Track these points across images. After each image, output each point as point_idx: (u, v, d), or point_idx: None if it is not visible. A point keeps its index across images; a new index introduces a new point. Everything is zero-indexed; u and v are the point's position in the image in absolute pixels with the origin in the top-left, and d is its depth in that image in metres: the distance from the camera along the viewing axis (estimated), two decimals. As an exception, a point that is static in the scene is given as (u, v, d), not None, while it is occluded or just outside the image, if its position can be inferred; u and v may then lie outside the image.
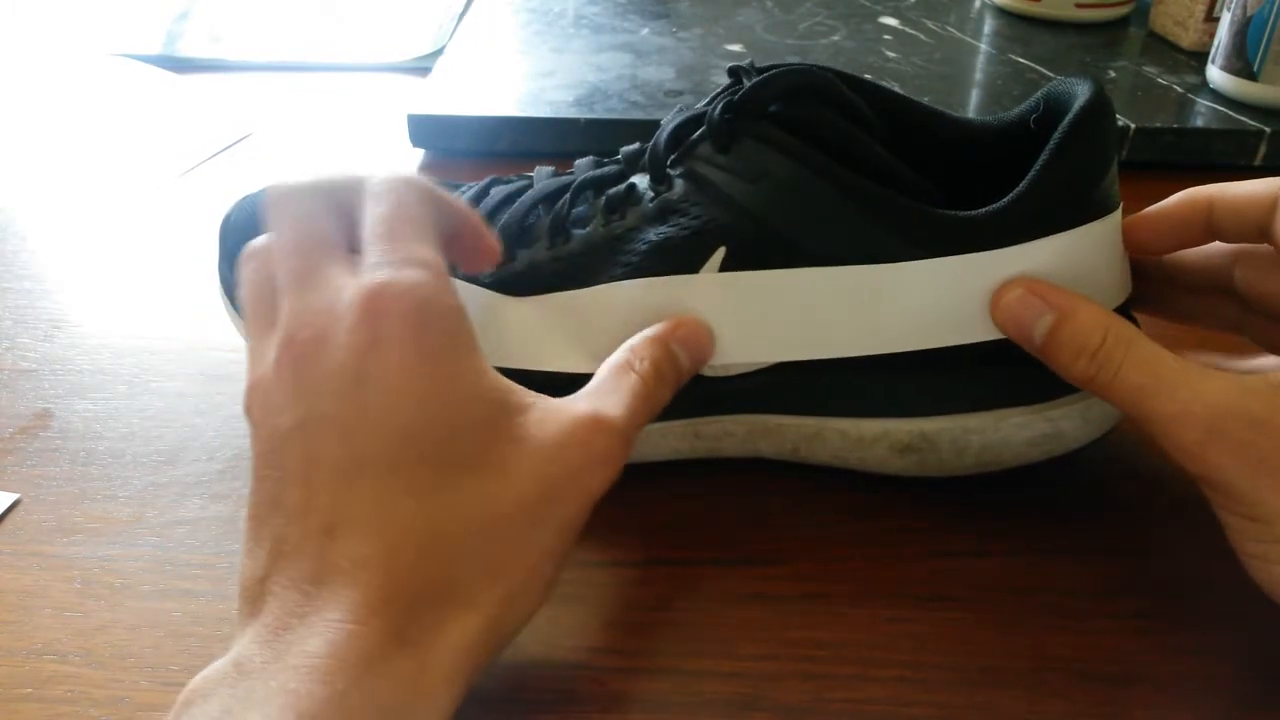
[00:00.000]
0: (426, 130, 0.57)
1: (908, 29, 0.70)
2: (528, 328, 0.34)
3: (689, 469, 0.36)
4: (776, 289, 0.32)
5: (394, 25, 0.73)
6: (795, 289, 0.32)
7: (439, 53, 0.67)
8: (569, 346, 0.33)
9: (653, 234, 0.33)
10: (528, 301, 0.34)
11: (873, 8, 0.74)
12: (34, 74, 0.68)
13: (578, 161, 0.37)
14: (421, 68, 0.67)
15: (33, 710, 0.28)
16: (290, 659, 0.22)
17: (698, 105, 0.35)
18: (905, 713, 0.28)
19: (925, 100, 0.36)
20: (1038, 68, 0.64)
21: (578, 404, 0.28)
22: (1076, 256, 0.31)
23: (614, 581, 0.32)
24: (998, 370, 0.32)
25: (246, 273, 0.28)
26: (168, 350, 0.42)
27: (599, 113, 0.57)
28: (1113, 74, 0.62)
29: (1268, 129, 0.55)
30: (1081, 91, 0.32)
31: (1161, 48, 0.66)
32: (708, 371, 0.33)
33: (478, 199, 0.37)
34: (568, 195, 0.35)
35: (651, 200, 0.33)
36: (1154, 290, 0.36)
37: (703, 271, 0.32)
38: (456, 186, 0.40)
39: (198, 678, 0.23)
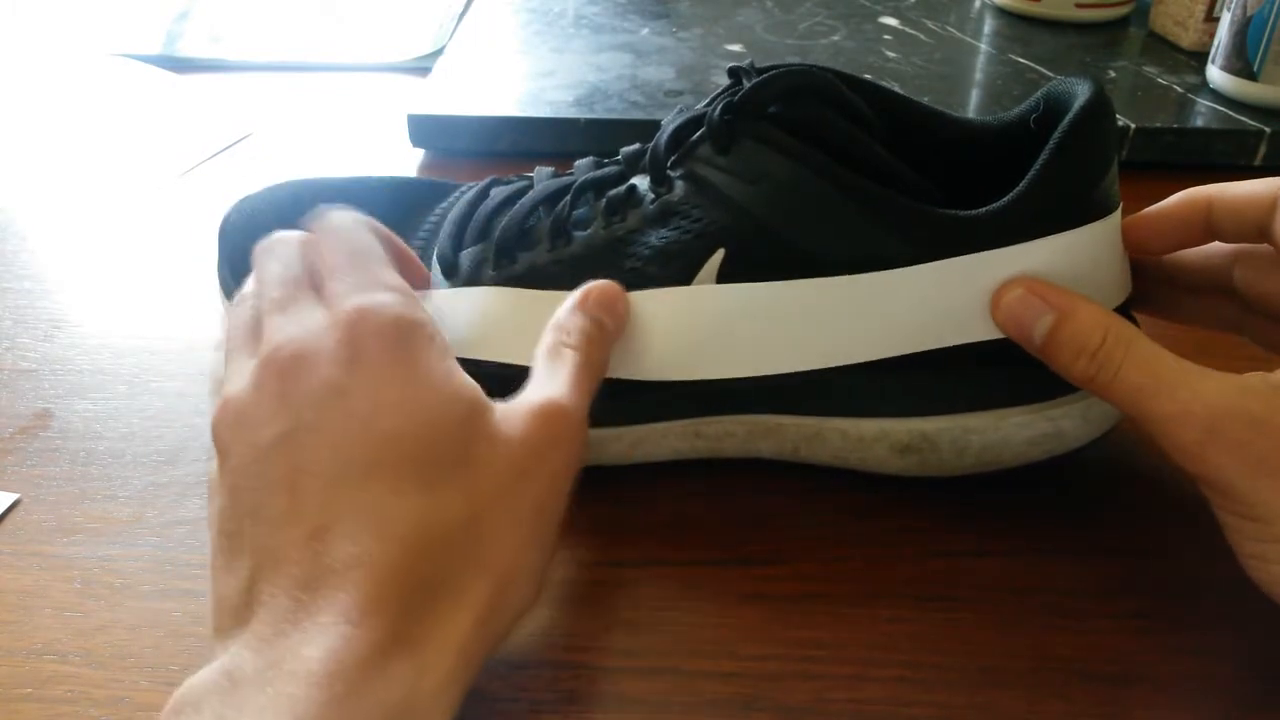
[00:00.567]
0: (426, 130, 0.57)
1: (908, 29, 0.70)
2: (522, 333, 0.34)
3: (689, 469, 0.36)
4: (776, 300, 0.32)
5: (394, 25, 0.73)
6: (794, 300, 0.32)
7: (439, 53, 0.67)
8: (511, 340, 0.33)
9: (654, 238, 0.33)
10: (524, 294, 0.34)
11: (873, 8, 0.74)
12: (34, 74, 0.68)
13: (578, 162, 0.37)
14: (421, 68, 0.67)
15: (33, 710, 0.28)
16: (286, 664, 0.22)
17: (698, 106, 0.35)
18: (905, 713, 0.28)
19: (925, 100, 0.36)
20: (1038, 68, 0.64)
21: (530, 396, 0.29)
22: (1076, 256, 0.31)
23: (614, 581, 0.32)
24: (998, 370, 0.32)
25: (233, 314, 0.30)
26: (168, 350, 0.42)
27: (599, 113, 0.57)
28: (1113, 74, 0.62)
29: (1268, 129, 0.55)
30: (1081, 91, 0.32)
31: (1161, 48, 0.66)
32: (711, 373, 0.33)
33: (478, 200, 0.37)
34: (568, 197, 0.35)
35: (652, 202, 0.33)
36: (1154, 290, 0.36)
37: (702, 272, 0.32)
38: (456, 187, 0.40)
39: (184, 687, 0.23)
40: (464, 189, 0.39)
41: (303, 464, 0.25)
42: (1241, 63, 0.57)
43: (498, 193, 0.37)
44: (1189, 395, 0.27)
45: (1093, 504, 0.35)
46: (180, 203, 0.53)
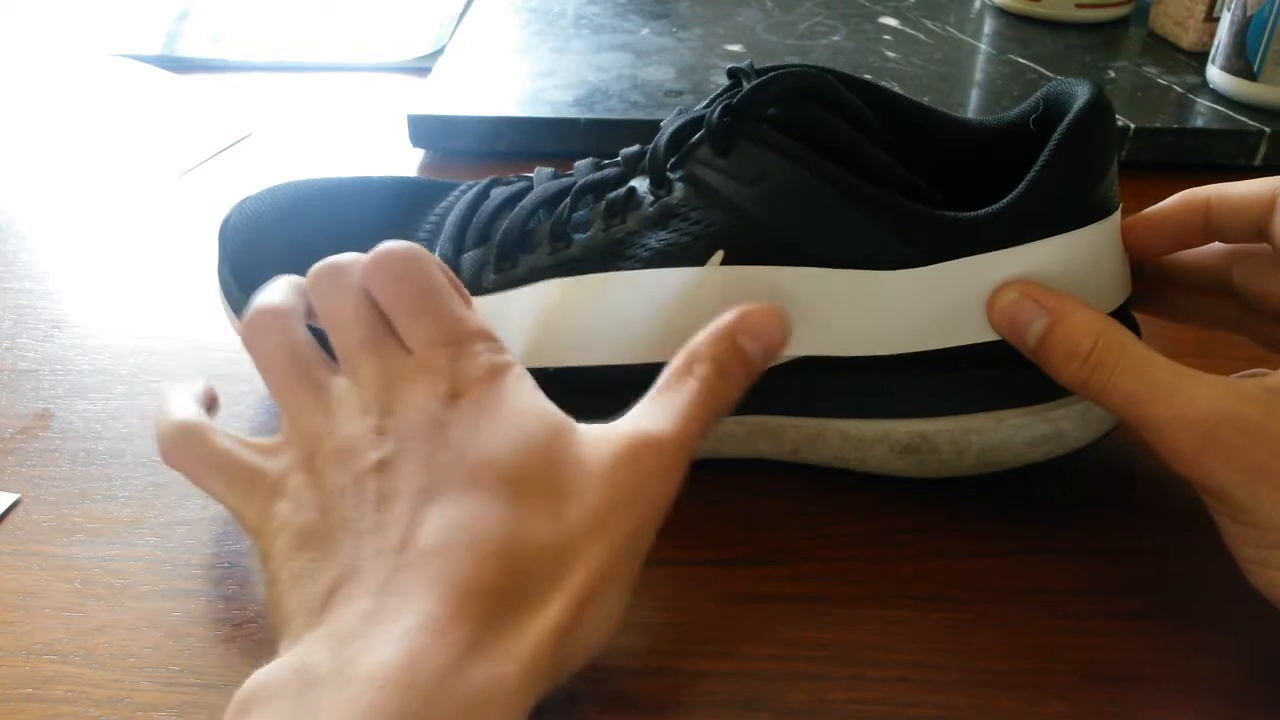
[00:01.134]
0: (426, 130, 0.57)
1: (908, 29, 0.70)
2: (526, 325, 0.34)
3: (689, 469, 0.35)
4: (779, 285, 0.32)
5: (394, 25, 0.73)
6: (797, 286, 0.32)
7: (439, 53, 0.67)
8: (568, 340, 0.33)
9: (654, 240, 0.33)
10: (526, 292, 0.34)
11: (873, 8, 0.74)
12: (34, 74, 0.68)
13: (577, 164, 0.37)
14: (421, 68, 0.67)
15: (33, 710, 0.28)
16: (361, 667, 0.22)
17: (697, 107, 0.35)
18: (905, 713, 0.28)
19: (925, 100, 0.36)
20: (1038, 68, 0.64)
21: (625, 425, 0.28)
22: (1076, 258, 0.31)
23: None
24: (997, 371, 0.32)
25: (274, 339, 0.29)
26: (168, 350, 0.42)
27: (599, 113, 0.57)
28: (1113, 74, 0.62)
29: (1268, 129, 0.55)
30: (1081, 92, 0.32)
31: (1161, 48, 0.66)
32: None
33: (477, 202, 0.37)
34: (568, 200, 0.35)
35: (651, 204, 0.33)
36: (1153, 290, 0.36)
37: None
38: (456, 186, 0.40)
39: (254, 682, 0.23)
40: (463, 189, 0.39)
41: (398, 484, 0.26)
42: (1241, 63, 0.57)
43: (498, 194, 0.37)
44: (1184, 401, 0.27)
45: (1092, 504, 0.35)
46: (180, 203, 0.53)
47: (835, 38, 0.68)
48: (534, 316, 0.34)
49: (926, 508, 0.35)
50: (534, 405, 0.28)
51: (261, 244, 0.38)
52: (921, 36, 0.69)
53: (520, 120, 0.56)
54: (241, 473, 0.28)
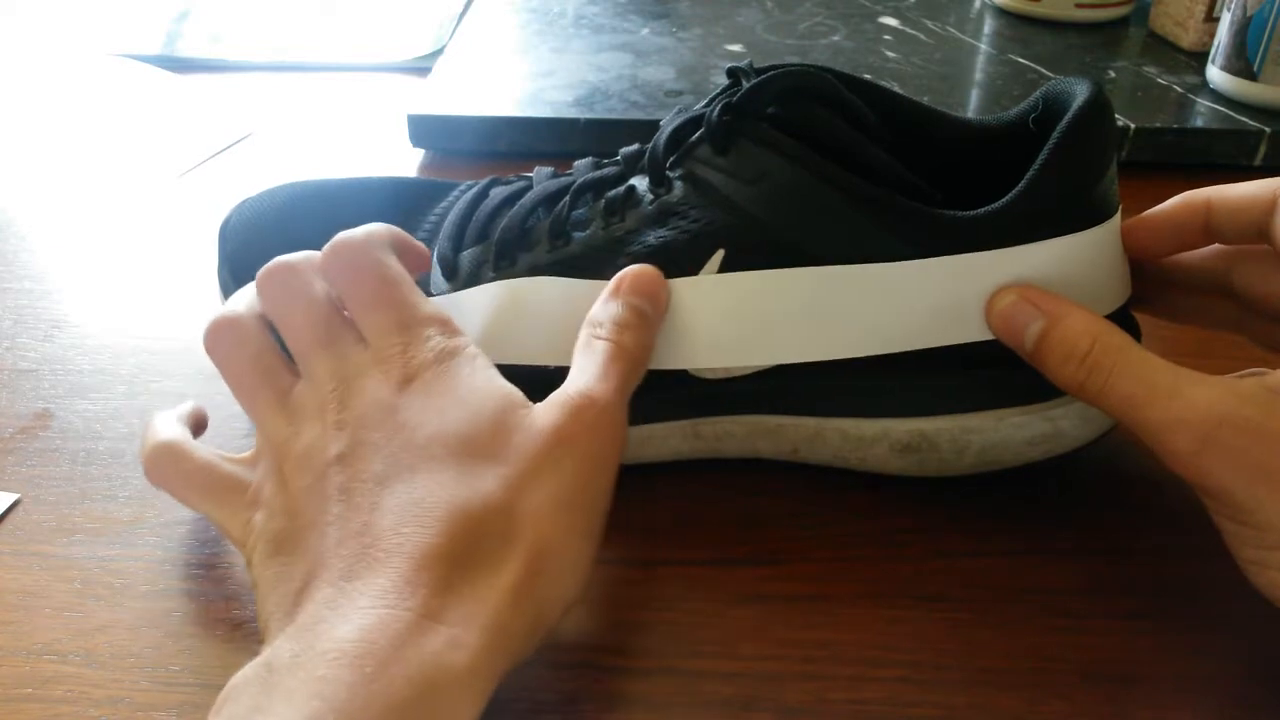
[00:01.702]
0: (426, 130, 0.57)
1: (908, 29, 0.70)
2: (518, 321, 0.34)
3: (689, 469, 0.36)
4: (775, 290, 0.32)
5: (394, 25, 0.73)
6: (794, 290, 0.32)
7: (439, 53, 0.67)
8: (565, 339, 0.33)
9: (652, 237, 0.33)
10: (517, 284, 0.34)
11: (873, 8, 0.74)
12: (34, 74, 0.68)
13: (577, 163, 0.37)
14: (421, 68, 0.67)
15: (33, 710, 0.28)
16: (319, 646, 0.23)
17: (697, 107, 0.35)
18: (905, 713, 0.28)
19: (925, 100, 0.36)
20: (1038, 68, 0.64)
21: (562, 391, 0.29)
22: (1077, 259, 0.31)
23: (614, 581, 0.32)
24: (997, 370, 0.32)
25: (237, 348, 0.30)
26: (168, 350, 0.42)
27: (599, 113, 0.57)
28: (1113, 74, 0.62)
29: (1268, 129, 0.55)
30: (1080, 91, 0.32)
31: (1161, 48, 0.66)
32: (708, 374, 0.33)
33: (477, 201, 0.37)
34: (567, 198, 0.35)
35: (651, 203, 0.33)
36: (1154, 291, 0.36)
37: (702, 273, 0.32)
38: (456, 186, 0.40)
39: (231, 680, 0.24)
40: (463, 188, 0.39)
41: (357, 474, 0.27)
42: (1241, 63, 0.57)
43: (497, 193, 0.37)
44: (1182, 403, 0.27)
45: (1093, 504, 0.35)
46: (180, 203, 0.53)
47: (835, 38, 0.68)
48: (523, 312, 0.34)
49: (926, 508, 0.35)
50: (484, 381, 0.29)
51: (261, 245, 0.38)
52: (921, 36, 0.69)
53: (520, 120, 0.56)
54: (221, 487, 0.29)
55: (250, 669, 0.24)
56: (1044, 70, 0.63)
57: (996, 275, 0.31)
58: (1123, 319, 0.33)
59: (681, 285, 0.32)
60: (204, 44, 0.70)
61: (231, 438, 0.38)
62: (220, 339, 0.30)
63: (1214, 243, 0.34)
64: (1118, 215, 0.33)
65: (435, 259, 0.36)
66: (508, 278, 0.34)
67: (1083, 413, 0.33)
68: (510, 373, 0.30)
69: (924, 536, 0.34)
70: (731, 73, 0.34)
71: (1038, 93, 0.34)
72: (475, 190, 0.38)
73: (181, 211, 0.53)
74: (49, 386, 0.40)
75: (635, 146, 0.36)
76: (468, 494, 0.26)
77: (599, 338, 0.31)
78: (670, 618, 0.31)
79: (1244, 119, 0.56)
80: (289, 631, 0.24)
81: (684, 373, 0.33)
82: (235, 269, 0.38)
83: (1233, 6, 0.56)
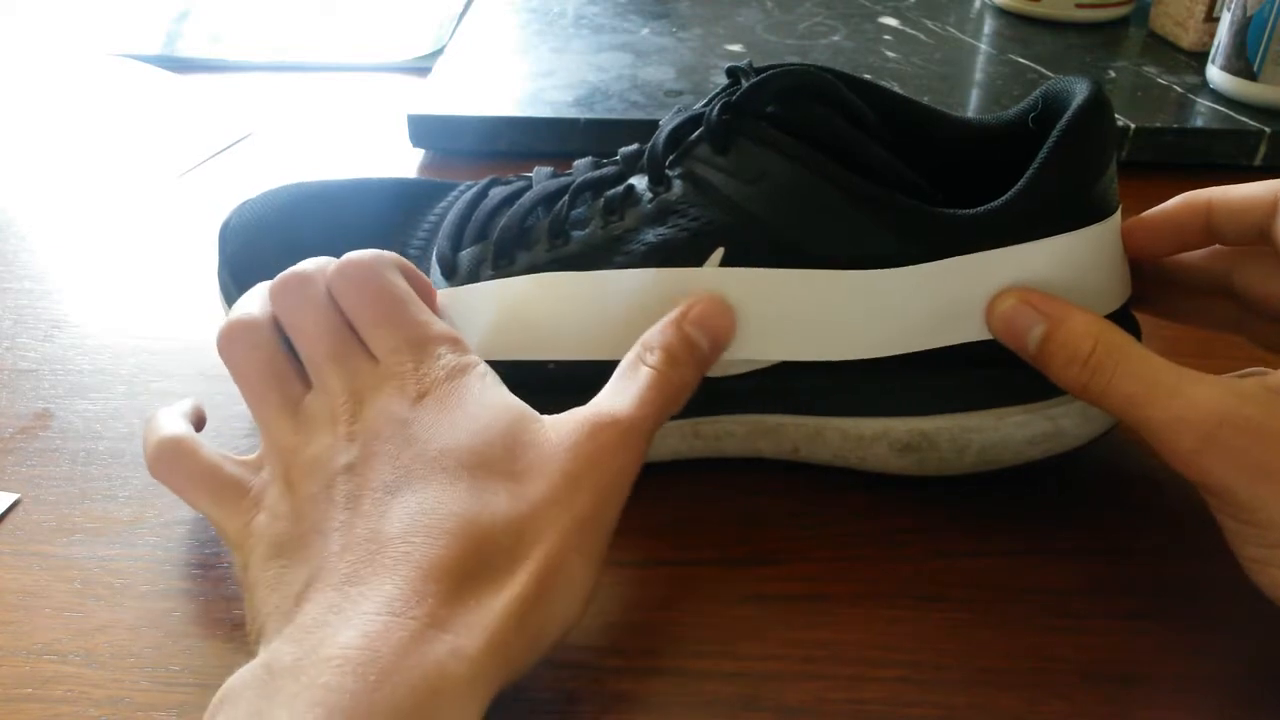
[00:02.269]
0: (426, 130, 0.57)
1: (908, 29, 0.70)
2: (521, 316, 0.34)
3: (689, 469, 0.36)
4: (779, 287, 0.32)
5: (394, 25, 0.73)
6: (797, 289, 0.32)
7: (439, 53, 0.67)
8: (565, 334, 0.33)
9: (651, 235, 0.33)
10: (522, 282, 0.34)
11: (873, 8, 0.74)
12: (34, 74, 0.68)
13: (576, 163, 0.37)
14: (421, 68, 0.67)
15: (33, 710, 0.28)
16: (322, 651, 0.23)
17: (696, 106, 0.35)
18: (905, 713, 0.28)
19: (925, 100, 0.36)
20: (1038, 68, 0.64)
21: (584, 409, 0.29)
22: (1077, 259, 0.31)
23: (614, 581, 0.32)
24: (997, 369, 0.32)
25: (249, 353, 0.30)
26: (168, 350, 0.42)
27: (599, 113, 0.57)
28: (1113, 74, 0.62)
29: (1268, 129, 0.55)
30: (1080, 90, 0.32)
31: (1161, 48, 0.66)
32: (708, 371, 0.33)
33: (476, 201, 0.37)
34: (566, 197, 0.35)
35: (650, 201, 0.33)
36: (1154, 291, 0.36)
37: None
38: (455, 186, 0.40)
39: (227, 685, 0.23)
40: (463, 189, 0.39)
41: (366, 482, 0.27)
42: (1241, 63, 0.57)
43: (496, 193, 0.37)
44: (1184, 402, 0.27)
45: (1093, 504, 0.35)
46: (180, 203, 0.53)
47: (835, 38, 0.68)
48: (516, 308, 0.34)
49: (926, 507, 0.35)
50: (496, 397, 0.29)
51: (261, 246, 0.38)
52: (921, 36, 0.69)
53: (520, 120, 0.56)
54: (223, 486, 0.29)
55: (248, 671, 0.23)
56: (1044, 70, 0.63)
57: (996, 275, 0.31)
58: (1123, 319, 0.33)
59: (684, 275, 0.32)
60: (204, 44, 0.70)
61: (232, 438, 0.38)
62: (234, 341, 0.30)
63: (1214, 243, 0.34)
64: (1118, 214, 0.33)
65: (434, 258, 0.36)
66: (506, 277, 0.34)
67: (1083, 412, 0.33)
68: (507, 371, 0.30)
69: (924, 536, 0.34)
70: (731, 72, 0.34)
71: (1037, 92, 0.34)
72: (475, 190, 0.38)
73: (181, 211, 0.53)
74: (49, 386, 0.40)
75: (634, 146, 0.36)
76: (479, 508, 0.26)
77: (647, 364, 0.30)
78: (670, 618, 0.31)
79: (1244, 119, 0.56)
80: (287, 633, 0.24)
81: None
82: (235, 270, 0.38)
83: (1233, 6, 0.56)
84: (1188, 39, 0.65)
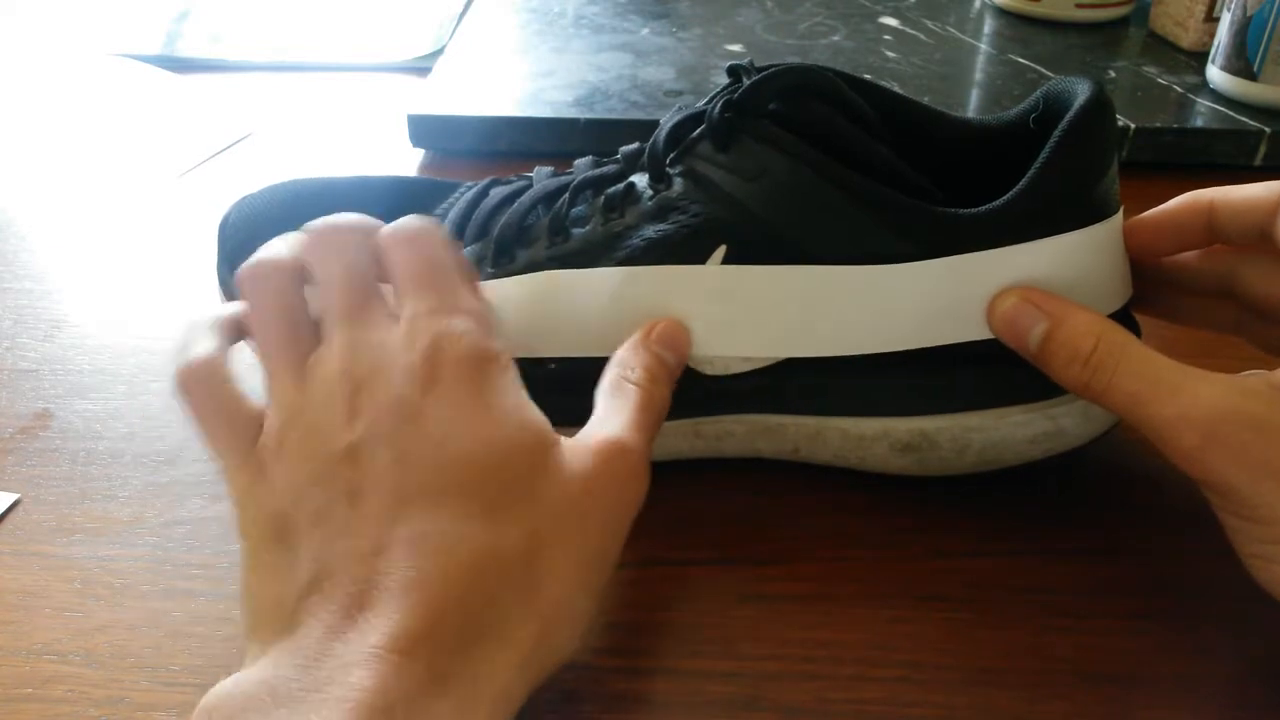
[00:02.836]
0: (426, 130, 0.57)
1: (908, 29, 0.70)
2: (523, 313, 0.34)
3: (689, 469, 0.36)
4: (779, 284, 0.32)
5: (394, 25, 0.73)
6: (797, 285, 0.32)
7: (439, 53, 0.67)
8: (567, 331, 0.33)
9: (651, 231, 0.33)
10: (524, 280, 0.34)
11: (873, 8, 0.74)
12: (34, 74, 0.68)
13: (577, 161, 0.37)
14: (421, 68, 0.67)
15: (33, 710, 0.28)
16: (332, 689, 0.22)
17: (697, 104, 0.35)
18: (905, 713, 0.28)
19: (925, 100, 0.36)
20: (1038, 68, 0.64)
21: (594, 435, 0.28)
22: (1077, 259, 0.31)
23: (614, 581, 0.32)
24: (998, 368, 0.32)
25: (268, 297, 0.28)
26: (168, 350, 0.42)
27: (599, 113, 0.57)
28: (1113, 74, 0.62)
29: (1268, 129, 0.55)
30: (1081, 90, 0.32)
31: (1161, 48, 0.66)
32: (708, 370, 0.33)
33: (477, 200, 0.37)
34: (567, 195, 0.35)
35: (651, 199, 0.33)
36: (1155, 292, 0.36)
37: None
38: (457, 186, 0.40)
39: (219, 693, 0.23)
40: (463, 189, 0.39)
41: (370, 477, 0.25)
42: (1241, 63, 0.57)
43: (497, 192, 0.37)
44: (1186, 399, 0.27)
45: (1093, 504, 0.35)
46: (180, 203, 0.53)
47: (835, 38, 0.68)
48: (518, 306, 0.34)
49: (926, 507, 0.35)
50: (515, 408, 0.27)
51: (260, 242, 0.38)
52: (921, 36, 0.69)
53: (520, 120, 0.56)
54: (239, 432, 0.27)
55: (246, 685, 0.22)
56: (1044, 70, 0.63)
57: (997, 274, 0.31)
58: (1124, 320, 0.33)
59: (685, 273, 0.32)
60: (204, 44, 0.70)
61: (231, 437, 0.37)
62: (258, 280, 0.28)
63: (1215, 244, 0.34)
64: (1119, 214, 0.33)
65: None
66: (506, 274, 0.34)
67: (1084, 411, 0.33)
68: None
69: (924, 536, 0.34)
70: (732, 70, 0.34)
71: (1038, 92, 0.34)
72: (475, 190, 0.38)
73: (181, 211, 0.53)
74: (49, 386, 0.40)
75: (635, 145, 0.36)
76: (493, 541, 0.25)
77: (631, 382, 0.30)
78: (670, 618, 0.31)
79: (1244, 119, 0.56)
80: (289, 650, 0.23)
81: (686, 370, 0.33)
82: (235, 267, 0.38)
83: (1233, 6, 0.56)
84: (1188, 39, 0.65)
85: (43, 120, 0.62)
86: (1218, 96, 0.59)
